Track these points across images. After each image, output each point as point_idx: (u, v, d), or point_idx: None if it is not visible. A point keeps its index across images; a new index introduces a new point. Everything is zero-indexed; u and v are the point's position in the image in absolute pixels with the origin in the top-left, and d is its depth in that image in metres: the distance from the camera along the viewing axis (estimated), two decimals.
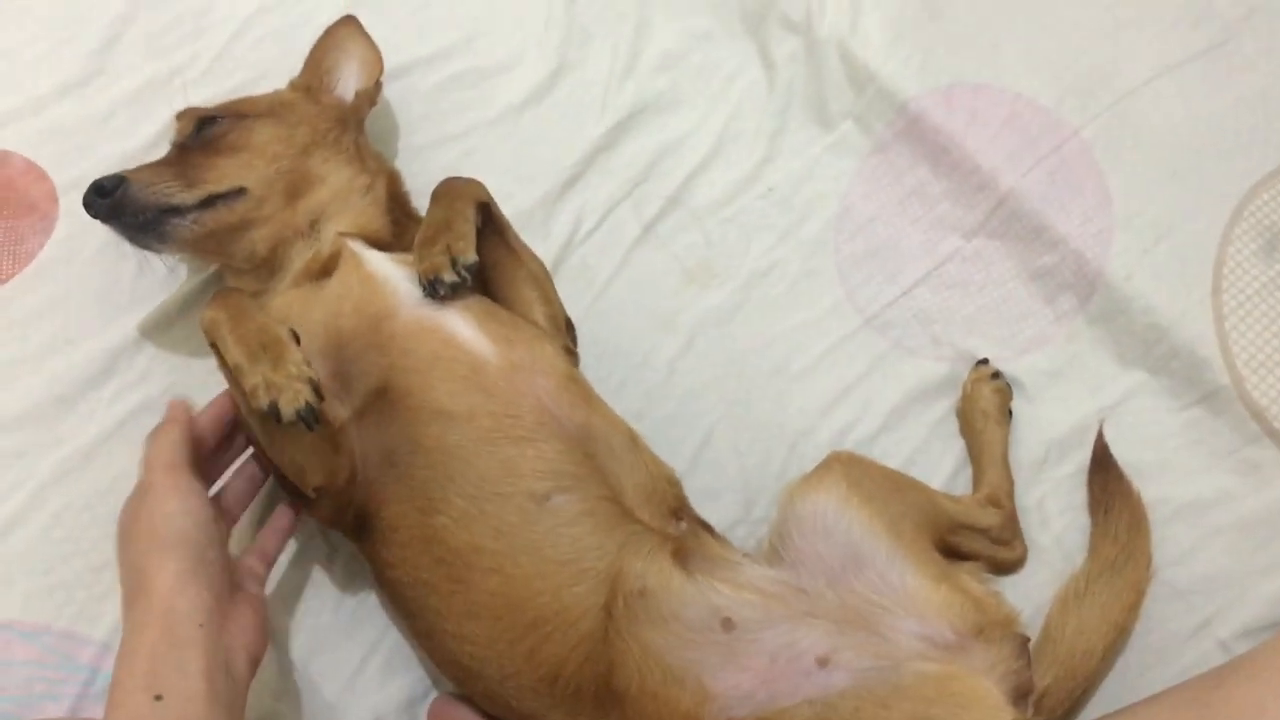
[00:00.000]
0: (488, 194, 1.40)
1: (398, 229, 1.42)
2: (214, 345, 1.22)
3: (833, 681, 1.10)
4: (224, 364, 1.20)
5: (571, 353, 1.40)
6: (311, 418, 1.13)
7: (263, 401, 1.13)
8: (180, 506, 1.15)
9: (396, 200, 1.47)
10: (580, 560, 1.16)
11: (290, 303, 1.31)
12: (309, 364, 1.17)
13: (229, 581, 1.18)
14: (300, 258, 1.35)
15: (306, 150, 1.40)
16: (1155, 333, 1.45)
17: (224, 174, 1.34)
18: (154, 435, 1.23)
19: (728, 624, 1.13)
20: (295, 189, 1.38)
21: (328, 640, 1.37)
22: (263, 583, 1.28)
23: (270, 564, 1.31)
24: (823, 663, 1.11)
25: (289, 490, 1.29)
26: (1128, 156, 1.56)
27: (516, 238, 1.44)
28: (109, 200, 1.30)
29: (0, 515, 1.39)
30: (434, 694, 1.35)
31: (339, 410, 1.23)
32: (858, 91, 1.64)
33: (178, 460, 1.19)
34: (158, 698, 1.02)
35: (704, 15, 1.73)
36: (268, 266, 1.37)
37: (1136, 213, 1.52)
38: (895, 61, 1.63)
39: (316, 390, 1.15)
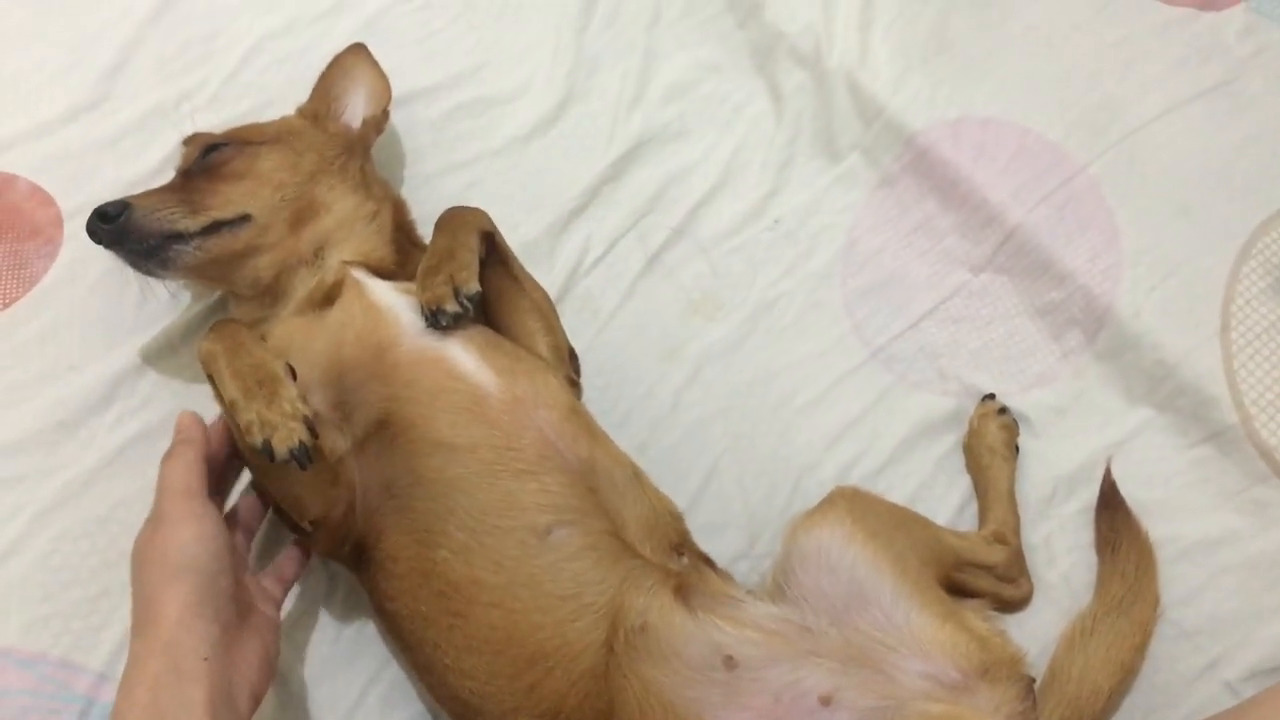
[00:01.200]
0: (491, 223, 1.40)
1: (402, 257, 1.42)
2: (210, 378, 1.21)
3: None
4: (220, 398, 1.19)
5: (575, 384, 1.40)
6: (305, 457, 1.12)
7: (257, 439, 1.12)
8: (194, 534, 1.14)
9: (401, 229, 1.47)
10: (581, 595, 1.15)
11: (292, 331, 1.30)
12: (304, 400, 1.16)
13: (240, 609, 1.17)
14: (304, 285, 1.35)
15: (313, 177, 1.40)
16: (1163, 370, 1.45)
17: (229, 200, 1.34)
18: (168, 458, 1.21)
19: (730, 662, 1.11)
20: (300, 216, 1.37)
21: (327, 671, 1.35)
22: (278, 606, 1.26)
23: (287, 587, 1.30)
24: (826, 701, 1.10)
25: (286, 522, 1.28)
26: (1136, 192, 1.56)
27: (520, 267, 1.44)
28: (112, 226, 1.29)
29: None
30: None
31: (338, 442, 1.22)
32: (866, 124, 1.64)
33: (192, 485, 1.18)
34: None
35: (713, 47, 1.74)
36: (271, 293, 1.36)
37: (1145, 249, 1.52)
38: (904, 94, 1.64)
39: (311, 428, 1.14)
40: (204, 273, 1.36)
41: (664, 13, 1.77)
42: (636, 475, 1.29)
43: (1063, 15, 1.70)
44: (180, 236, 1.30)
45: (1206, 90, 1.62)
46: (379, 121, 1.54)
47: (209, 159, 1.38)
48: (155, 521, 1.17)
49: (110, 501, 1.40)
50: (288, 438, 1.12)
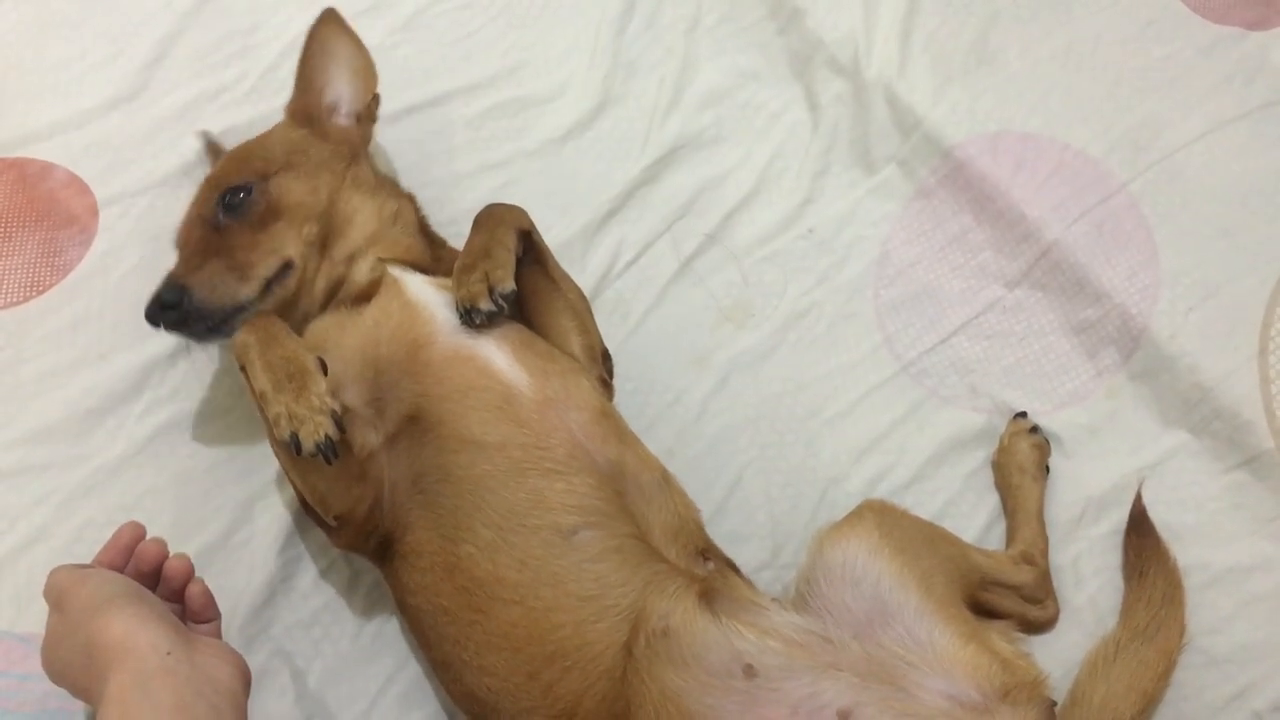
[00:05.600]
0: (530, 221, 1.40)
1: (435, 250, 1.43)
2: (243, 368, 1.21)
3: None
4: (251, 388, 1.20)
5: (607, 384, 1.39)
6: (330, 451, 1.14)
7: (284, 432, 1.14)
8: (99, 579, 1.14)
9: (421, 223, 1.47)
10: (603, 597, 1.14)
11: (328, 327, 1.31)
12: (333, 395, 1.17)
13: (180, 620, 1.17)
14: (342, 288, 1.36)
15: (333, 198, 1.39)
16: (1199, 393, 1.43)
17: (269, 252, 1.33)
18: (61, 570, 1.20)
19: (749, 671, 1.10)
20: (329, 237, 1.38)
21: (346, 668, 1.35)
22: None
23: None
24: (844, 716, 1.08)
25: (312, 516, 1.28)
26: (1176, 212, 1.54)
27: (557, 267, 1.43)
28: (177, 313, 1.29)
29: (24, 528, 1.39)
30: None
31: (369, 437, 1.23)
32: (903, 136, 1.63)
33: (80, 573, 1.17)
34: None
35: (751, 54, 1.73)
36: (309, 297, 1.37)
37: (1183, 270, 1.50)
38: (943, 107, 1.63)
39: (338, 423, 1.15)
40: None
41: (703, 18, 1.77)
42: (665, 479, 1.29)
43: (1107, 31, 1.68)
44: (241, 308, 1.31)
45: (1252, 110, 1.59)
46: (371, 111, 1.51)
47: (234, 208, 1.34)
48: (55, 617, 1.15)
49: (137, 490, 1.41)
50: (314, 432, 1.13)
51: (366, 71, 1.50)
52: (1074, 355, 1.50)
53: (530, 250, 1.38)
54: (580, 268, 1.56)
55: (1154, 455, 1.43)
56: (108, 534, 1.36)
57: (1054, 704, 1.14)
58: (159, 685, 1.01)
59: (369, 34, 1.69)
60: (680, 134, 1.67)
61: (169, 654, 1.04)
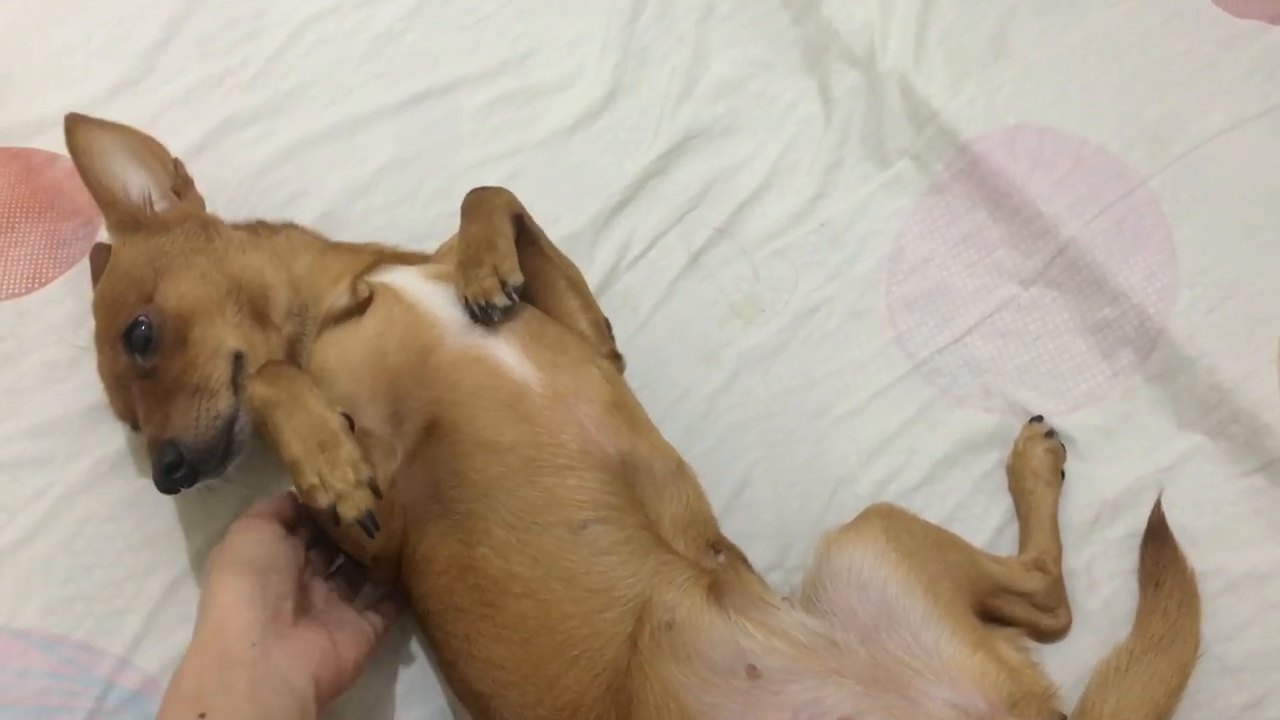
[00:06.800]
0: (519, 203, 1.37)
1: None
2: (264, 423, 1.18)
3: None
4: (276, 448, 1.17)
5: (617, 357, 1.39)
6: (371, 523, 1.13)
7: (321, 503, 1.12)
8: (254, 537, 1.18)
9: (319, 238, 1.44)
10: (613, 588, 1.14)
11: (328, 348, 1.28)
12: (366, 461, 1.15)
13: (296, 607, 1.17)
14: (327, 308, 1.33)
15: (225, 272, 1.31)
16: (1217, 395, 1.40)
17: (210, 356, 1.25)
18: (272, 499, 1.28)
19: (752, 671, 1.09)
20: (256, 308, 1.31)
21: None
22: (367, 638, 1.23)
23: (378, 631, 1.26)
24: None
25: (347, 555, 1.28)
26: (1196, 210, 1.51)
27: (550, 244, 1.42)
28: (184, 469, 1.21)
29: (23, 522, 1.38)
30: None
31: (389, 464, 1.21)
32: (917, 129, 1.60)
33: (273, 512, 1.23)
34: (201, 716, 1.02)
35: (764, 44, 1.71)
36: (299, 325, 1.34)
37: (1203, 269, 1.48)
38: (959, 100, 1.60)
39: (374, 489, 1.14)
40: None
41: (716, 7, 1.74)
42: (680, 468, 1.28)
43: (1127, 25, 1.65)
44: (231, 420, 1.25)
45: (1274, 106, 1.56)
46: (185, 177, 1.43)
47: (144, 346, 1.24)
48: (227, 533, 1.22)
49: (138, 486, 1.40)
50: (354, 507, 1.12)
51: (147, 148, 1.41)
52: (1090, 356, 1.47)
53: (524, 233, 1.36)
54: (588, 260, 1.54)
55: (1170, 458, 1.41)
56: (108, 529, 1.37)
57: (1063, 717, 1.13)
58: (237, 675, 1.06)
59: (375, 19, 1.69)
60: (691, 125, 1.65)
61: (253, 645, 1.08)
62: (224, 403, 1.24)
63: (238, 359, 1.26)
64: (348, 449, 1.14)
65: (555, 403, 1.21)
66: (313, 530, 1.28)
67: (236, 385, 1.25)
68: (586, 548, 1.15)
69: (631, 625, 1.12)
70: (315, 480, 1.13)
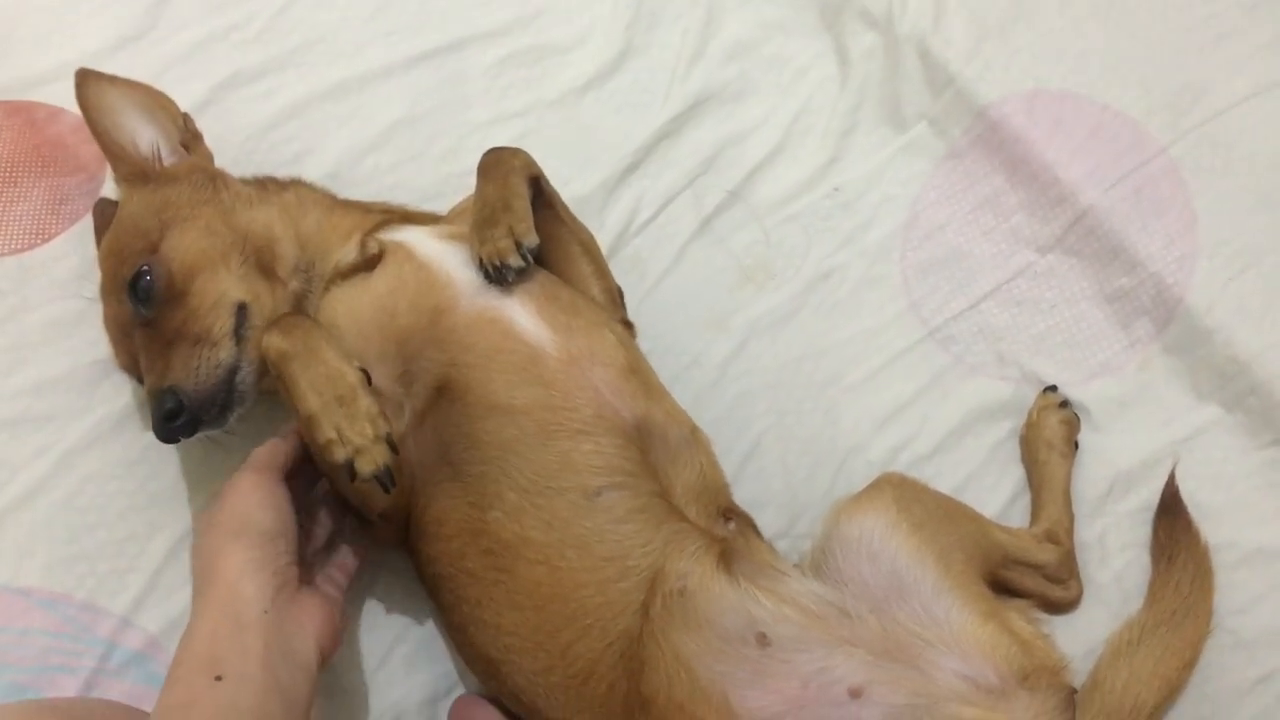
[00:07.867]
0: (536, 165, 1.35)
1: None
2: (279, 376, 1.16)
3: (864, 716, 1.05)
4: (291, 401, 1.15)
5: (629, 324, 1.37)
6: (389, 479, 1.11)
7: (338, 458, 1.11)
8: (257, 501, 1.15)
9: (329, 194, 1.42)
10: (626, 556, 1.13)
11: (336, 303, 1.26)
12: (384, 416, 1.13)
13: (298, 575, 1.16)
14: (336, 263, 1.31)
15: (231, 225, 1.28)
16: (1234, 367, 1.39)
17: (212, 307, 1.23)
18: (264, 445, 1.22)
19: (762, 639, 1.08)
20: (263, 261, 1.28)
21: (352, 630, 1.33)
22: (341, 589, 1.25)
23: (349, 575, 1.28)
24: (855, 694, 1.06)
25: (354, 513, 1.26)
26: (1217, 179, 1.50)
27: (566, 208, 1.40)
28: (185, 415, 1.18)
29: (25, 479, 1.36)
30: (457, 692, 1.32)
31: (399, 423, 1.20)
32: (935, 93, 1.58)
33: (271, 464, 1.19)
34: (217, 678, 1.02)
35: (779, 4, 1.69)
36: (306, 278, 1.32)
37: (1223, 239, 1.46)
38: (977, 64, 1.57)
39: (392, 444, 1.12)
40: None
41: None
42: (694, 435, 1.27)
43: None
44: (232, 370, 1.23)
45: None
46: (193, 131, 1.40)
47: (147, 295, 1.22)
48: (225, 490, 1.18)
49: (141, 444, 1.38)
50: (371, 462, 1.11)
51: (157, 102, 1.39)
52: (1106, 325, 1.46)
53: (540, 195, 1.34)
54: (598, 223, 1.52)
55: (1186, 430, 1.40)
56: (111, 488, 1.36)
57: (1074, 691, 1.12)
58: (252, 640, 1.06)
59: None
60: (704, 87, 1.62)
61: (265, 612, 1.08)
62: (225, 352, 1.22)
63: (241, 310, 1.24)
64: (366, 403, 1.13)
65: (570, 366, 1.20)
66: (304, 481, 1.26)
67: (239, 336, 1.23)
68: (602, 515, 1.14)
69: (644, 594, 1.11)
70: (333, 434, 1.11)
